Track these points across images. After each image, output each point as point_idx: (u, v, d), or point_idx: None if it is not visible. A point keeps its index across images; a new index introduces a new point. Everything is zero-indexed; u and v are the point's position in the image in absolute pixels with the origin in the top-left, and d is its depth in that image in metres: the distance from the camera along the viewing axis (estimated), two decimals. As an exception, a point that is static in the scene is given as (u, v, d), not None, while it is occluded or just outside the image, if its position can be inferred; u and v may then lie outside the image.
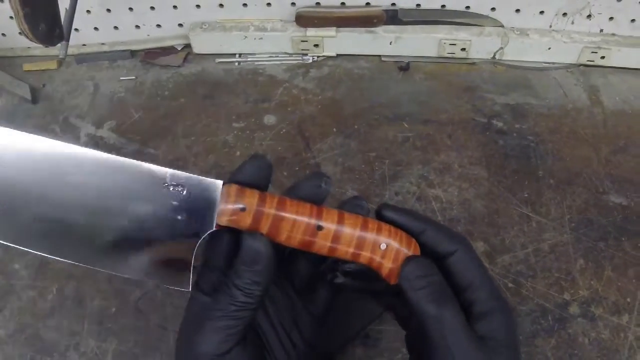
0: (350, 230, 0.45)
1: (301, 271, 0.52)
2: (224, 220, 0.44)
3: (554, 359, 0.58)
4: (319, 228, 0.45)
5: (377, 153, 0.75)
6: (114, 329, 0.63)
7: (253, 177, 0.46)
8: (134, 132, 0.80)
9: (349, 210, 0.48)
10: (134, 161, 0.45)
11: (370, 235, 0.45)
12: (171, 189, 0.45)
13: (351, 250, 0.46)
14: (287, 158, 0.75)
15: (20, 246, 0.44)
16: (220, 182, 0.45)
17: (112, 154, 0.45)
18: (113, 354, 0.62)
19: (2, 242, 0.44)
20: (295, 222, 0.45)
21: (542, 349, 0.59)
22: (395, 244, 0.45)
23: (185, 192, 0.44)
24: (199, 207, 0.44)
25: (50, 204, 0.44)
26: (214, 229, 0.44)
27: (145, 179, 0.45)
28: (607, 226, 0.67)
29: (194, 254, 0.45)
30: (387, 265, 0.45)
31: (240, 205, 0.44)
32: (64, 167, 0.45)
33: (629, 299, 0.62)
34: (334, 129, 0.78)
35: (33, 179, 0.45)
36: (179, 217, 0.44)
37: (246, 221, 0.44)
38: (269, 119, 0.80)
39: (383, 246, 0.45)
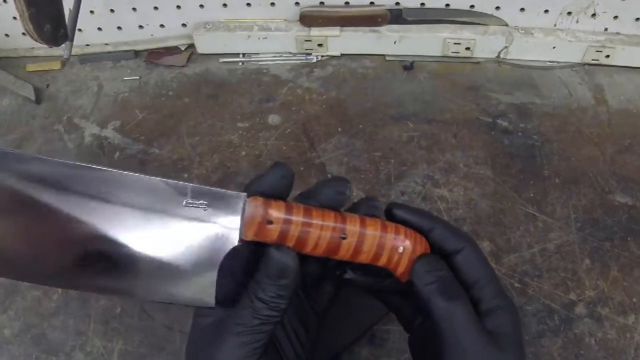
0: (372, 237, 0.45)
1: (312, 271, 0.52)
2: (249, 235, 0.43)
3: (560, 359, 0.58)
4: (343, 237, 0.44)
5: (382, 152, 0.75)
6: (119, 328, 0.63)
7: (275, 187, 0.45)
8: (139, 132, 0.80)
9: (364, 212, 0.47)
10: (153, 178, 0.43)
11: (389, 240, 0.45)
12: (192, 205, 0.43)
13: (372, 254, 0.45)
14: (291, 158, 0.75)
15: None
16: (244, 195, 0.43)
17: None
18: (119, 353, 0.62)
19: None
20: (322, 233, 0.43)
21: (549, 349, 0.59)
22: (410, 245, 0.46)
23: (207, 208, 0.43)
24: (221, 222, 0.42)
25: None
26: (238, 244, 0.43)
27: (165, 196, 0.43)
28: (613, 226, 0.67)
29: (218, 270, 0.43)
30: (403, 265, 0.46)
31: (268, 219, 0.42)
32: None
33: (635, 299, 0.61)
34: (339, 129, 0.78)
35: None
36: (201, 235, 0.43)
37: (273, 235, 0.43)
38: (274, 119, 0.80)
39: (401, 249, 0.45)
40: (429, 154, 0.74)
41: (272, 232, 0.42)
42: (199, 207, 0.42)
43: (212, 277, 0.42)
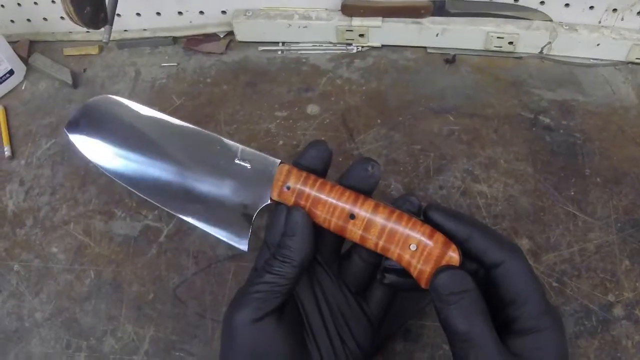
0: (381, 223, 0.46)
1: (354, 270, 0.52)
2: (274, 195, 0.51)
3: (597, 360, 0.58)
4: (352, 217, 0.47)
5: (422, 146, 0.74)
6: (151, 315, 0.64)
7: (312, 161, 0.51)
8: (176, 118, 0.80)
9: (399, 206, 0.48)
10: (215, 135, 0.56)
11: (401, 232, 0.46)
12: (240, 163, 0.53)
13: (381, 242, 0.47)
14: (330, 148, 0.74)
15: (136, 191, 0.56)
16: (278, 161, 0.52)
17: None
18: (150, 339, 0.62)
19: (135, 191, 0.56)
20: (331, 206, 0.48)
21: (585, 351, 0.58)
22: (428, 246, 0.45)
23: (250, 166, 0.53)
24: (259, 181, 0.52)
25: (154, 165, 0.56)
26: (269, 202, 0.51)
27: (221, 152, 0.54)
28: (653, 228, 0.66)
29: (253, 220, 0.52)
30: (416, 266, 0.45)
31: (287, 184, 0.50)
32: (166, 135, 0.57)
33: (674, 303, 0.60)
34: (378, 121, 0.77)
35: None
36: (243, 188, 0.53)
37: (290, 198, 0.50)
38: (312, 109, 0.79)
39: (413, 247, 0.45)
40: (469, 149, 0.73)
41: (290, 197, 0.50)
42: (245, 165, 0.53)
43: (248, 225, 0.52)
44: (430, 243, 0.45)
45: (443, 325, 0.44)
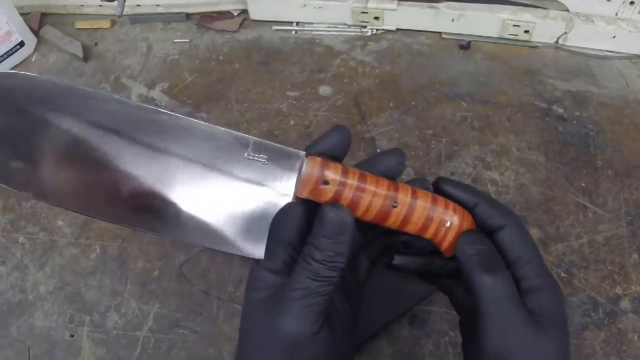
0: (421, 208, 0.46)
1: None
2: (304, 193, 0.44)
3: (603, 353, 0.58)
4: (394, 205, 0.45)
5: (434, 131, 0.74)
6: (156, 291, 0.64)
7: (334, 148, 0.46)
8: (187, 95, 0.80)
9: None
10: (218, 127, 0.44)
11: (438, 213, 0.46)
12: (252, 158, 0.44)
13: (420, 225, 0.46)
14: (342, 130, 0.74)
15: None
16: (303, 154, 0.44)
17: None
18: (154, 316, 0.62)
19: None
20: (374, 198, 0.44)
21: (591, 342, 0.58)
22: (458, 221, 0.46)
23: (266, 162, 0.44)
24: (279, 176, 0.44)
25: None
26: (293, 200, 0.44)
27: (229, 147, 0.44)
28: (664, 222, 0.66)
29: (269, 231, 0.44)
30: (449, 239, 0.46)
31: (324, 179, 0.43)
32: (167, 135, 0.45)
33: (682, 298, 0.60)
34: (391, 104, 0.77)
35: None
36: (258, 188, 0.44)
37: (327, 195, 0.44)
38: (325, 90, 0.79)
39: (448, 224, 0.46)
40: (481, 136, 0.73)
41: (327, 193, 0.44)
42: (258, 161, 0.44)
43: (265, 229, 0.44)
44: (460, 218, 0.46)
45: (465, 280, 0.44)
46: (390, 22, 0.84)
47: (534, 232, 0.65)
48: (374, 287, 0.55)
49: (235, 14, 0.89)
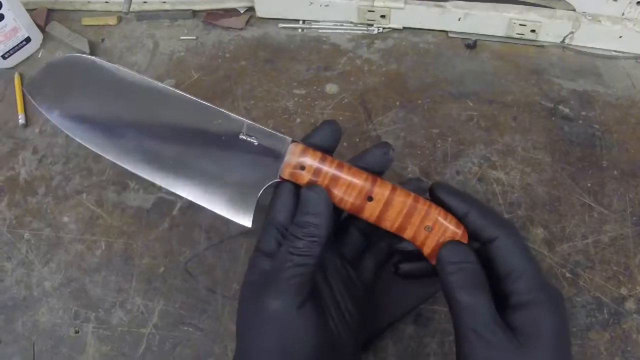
0: (398, 206, 0.47)
1: (352, 240, 0.54)
2: (286, 174, 0.49)
3: (607, 354, 0.58)
4: (370, 199, 0.47)
5: (440, 130, 0.74)
6: (161, 288, 0.64)
7: (323, 140, 0.50)
8: (193, 92, 0.79)
9: (410, 189, 0.49)
10: (217, 108, 0.53)
11: (417, 214, 0.47)
12: (245, 138, 0.51)
13: (397, 224, 0.47)
14: (347, 129, 0.74)
15: (122, 164, 0.53)
16: (289, 139, 0.50)
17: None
18: (159, 313, 0.62)
19: (108, 158, 0.53)
20: (349, 186, 0.47)
21: (596, 343, 0.58)
22: (442, 226, 0.47)
23: (257, 142, 0.50)
24: (267, 157, 0.50)
25: (147, 135, 0.53)
26: (278, 179, 0.50)
27: (225, 126, 0.51)
28: (670, 223, 0.65)
29: (258, 197, 0.50)
30: (430, 245, 0.47)
31: (303, 163, 0.48)
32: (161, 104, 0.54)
33: (687, 299, 0.60)
34: (397, 103, 0.77)
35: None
36: (247, 164, 0.51)
37: (304, 179, 0.48)
38: (331, 88, 0.79)
39: (429, 227, 0.47)
40: (487, 135, 0.73)
41: (304, 178, 0.48)
42: (251, 141, 0.51)
43: (253, 201, 0.50)
44: (445, 223, 0.47)
45: (445, 295, 0.45)
46: (397, 21, 0.84)
47: (539, 232, 0.65)
48: (380, 287, 0.56)
49: (242, 12, 0.89)
